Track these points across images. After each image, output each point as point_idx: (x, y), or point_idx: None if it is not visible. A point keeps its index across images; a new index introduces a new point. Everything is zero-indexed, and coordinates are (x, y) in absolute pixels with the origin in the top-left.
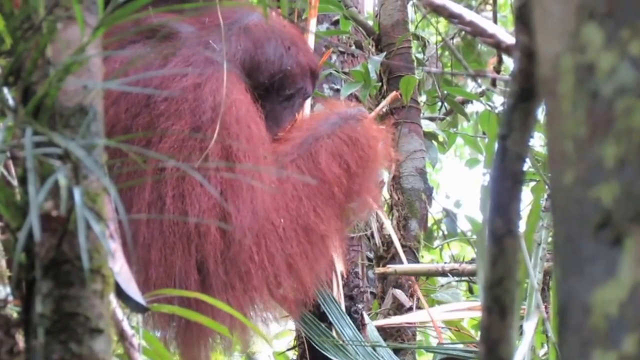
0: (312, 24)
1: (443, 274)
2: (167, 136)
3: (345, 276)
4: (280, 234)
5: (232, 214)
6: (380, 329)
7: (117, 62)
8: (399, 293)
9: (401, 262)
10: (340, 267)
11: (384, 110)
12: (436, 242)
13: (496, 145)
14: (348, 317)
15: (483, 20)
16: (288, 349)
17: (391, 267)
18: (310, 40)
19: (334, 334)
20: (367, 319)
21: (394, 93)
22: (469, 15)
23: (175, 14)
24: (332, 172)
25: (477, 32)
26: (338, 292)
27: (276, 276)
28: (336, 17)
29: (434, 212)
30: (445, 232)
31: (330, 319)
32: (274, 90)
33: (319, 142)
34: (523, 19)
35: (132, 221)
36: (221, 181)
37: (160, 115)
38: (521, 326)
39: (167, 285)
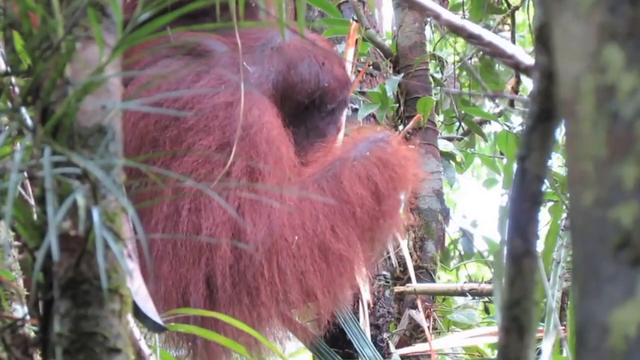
0: (350, 53)
1: (462, 293)
2: (193, 151)
3: (370, 305)
4: (293, 251)
5: (246, 229)
6: (406, 358)
7: (149, 75)
8: (415, 314)
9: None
10: (367, 295)
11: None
12: (453, 262)
13: (515, 166)
14: (373, 346)
15: (502, 41)
16: None
17: (411, 286)
18: (348, 68)
19: None
20: (392, 348)
21: (418, 115)
22: (488, 36)
23: (195, 34)
24: (354, 193)
25: (497, 52)
26: (364, 320)
27: (286, 293)
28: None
29: (451, 231)
30: (462, 252)
31: (355, 346)
32: (315, 107)
33: (345, 164)
34: (543, 39)
35: (147, 233)
36: (240, 196)
37: (189, 129)
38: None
39: (175, 299)
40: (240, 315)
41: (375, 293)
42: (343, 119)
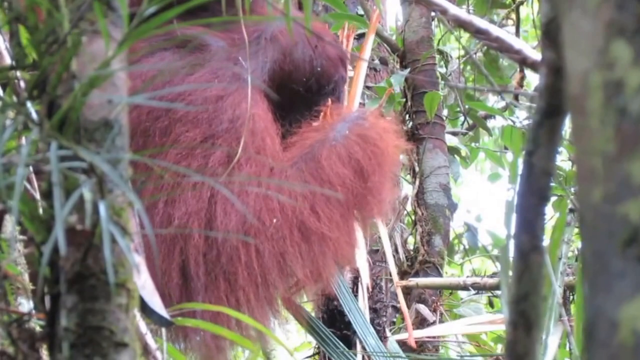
0: (370, 41)
1: (465, 287)
2: (179, 142)
3: (370, 289)
4: (271, 233)
5: (218, 217)
6: (402, 343)
7: (145, 69)
8: (422, 308)
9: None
10: (365, 279)
11: (409, 126)
12: (457, 256)
13: (522, 161)
14: (372, 327)
15: (509, 36)
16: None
17: (413, 280)
18: (367, 53)
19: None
20: (388, 332)
21: (388, 89)
22: (495, 31)
23: (202, 28)
24: (334, 173)
25: (504, 48)
26: (363, 303)
27: (265, 275)
28: (360, 31)
29: (455, 226)
30: (467, 246)
31: (354, 327)
32: (313, 92)
33: (323, 145)
34: (550, 35)
35: None
36: (213, 186)
37: (178, 120)
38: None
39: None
40: (217, 301)
41: (374, 278)
42: (344, 94)
